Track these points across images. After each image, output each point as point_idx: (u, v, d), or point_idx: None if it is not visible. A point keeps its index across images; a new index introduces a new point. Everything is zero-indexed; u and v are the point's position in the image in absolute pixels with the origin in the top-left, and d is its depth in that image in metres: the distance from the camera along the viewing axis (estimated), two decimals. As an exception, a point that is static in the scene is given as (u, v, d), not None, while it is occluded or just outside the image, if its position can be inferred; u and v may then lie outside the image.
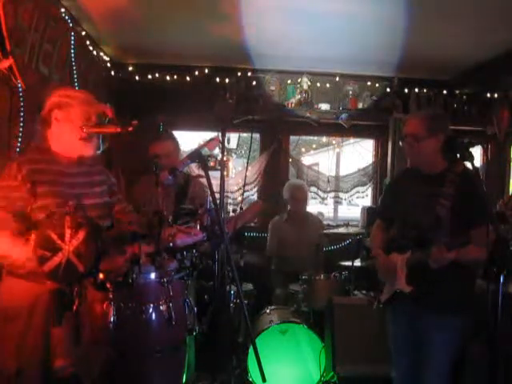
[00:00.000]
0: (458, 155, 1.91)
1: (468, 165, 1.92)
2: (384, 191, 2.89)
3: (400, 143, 2.40)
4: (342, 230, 4.14)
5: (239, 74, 4.53)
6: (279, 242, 4.23)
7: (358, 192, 5.06)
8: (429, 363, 2.17)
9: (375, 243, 2.48)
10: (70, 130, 2.00)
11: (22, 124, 2.61)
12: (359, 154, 6.12)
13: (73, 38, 3.27)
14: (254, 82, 4.57)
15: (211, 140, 2.22)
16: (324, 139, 5.79)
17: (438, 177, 2.19)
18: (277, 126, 4.74)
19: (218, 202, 2.10)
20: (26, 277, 1.86)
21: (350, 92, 4.69)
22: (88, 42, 3.67)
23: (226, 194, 4.50)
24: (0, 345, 1.94)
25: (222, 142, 2.32)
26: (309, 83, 4.58)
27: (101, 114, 2.02)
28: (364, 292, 3.66)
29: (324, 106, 4.63)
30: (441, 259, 2.01)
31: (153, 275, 1.83)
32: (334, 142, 5.58)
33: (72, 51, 3.29)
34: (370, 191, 5.10)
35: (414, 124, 2.26)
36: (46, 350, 1.86)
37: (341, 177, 5.14)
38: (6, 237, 1.85)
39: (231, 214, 3.36)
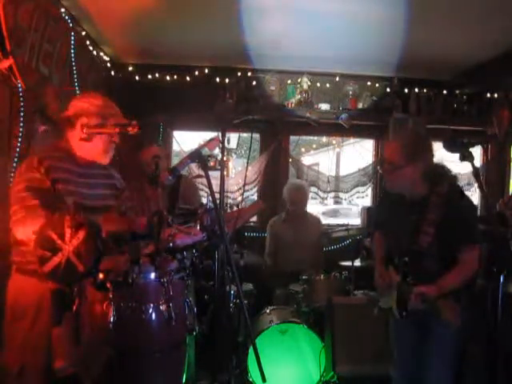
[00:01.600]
0: (458, 155, 1.91)
1: (467, 165, 1.92)
2: (377, 204, 2.89)
3: (378, 167, 2.38)
4: (341, 229, 4.14)
5: (239, 73, 4.53)
6: (278, 241, 4.23)
7: (358, 192, 5.05)
8: (430, 363, 2.17)
9: (376, 255, 2.49)
10: (96, 139, 2.04)
11: (21, 124, 2.61)
12: (359, 154, 6.12)
13: (73, 38, 3.27)
14: (254, 82, 4.57)
15: (211, 140, 2.22)
16: (324, 139, 5.80)
17: (420, 202, 2.16)
18: (277, 126, 4.74)
19: (217, 201, 2.10)
20: (35, 274, 1.86)
21: (350, 92, 4.69)
22: (88, 42, 3.67)
23: (226, 193, 4.50)
24: (6, 342, 1.96)
25: (222, 142, 2.32)
26: (309, 83, 4.58)
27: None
28: (364, 292, 3.66)
29: (324, 106, 4.63)
30: (415, 305, 2.04)
31: (153, 275, 1.83)
32: (334, 141, 5.58)
33: (72, 51, 3.29)
34: (369, 191, 5.10)
35: (392, 151, 2.21)
36: (50, 350, 1.87)
37: (341, 177, 5.14)
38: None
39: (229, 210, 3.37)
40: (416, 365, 2.23)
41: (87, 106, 2.04)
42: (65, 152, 2.07)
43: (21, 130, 2.61)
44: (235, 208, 2.93)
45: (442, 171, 2.18)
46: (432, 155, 2.19)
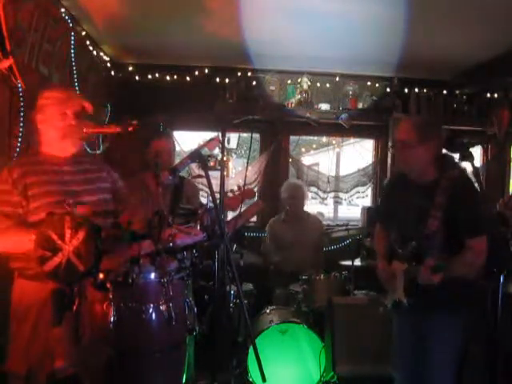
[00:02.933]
0: (458, 155, 1.91)
1: (467, 165, 1.92)
2: (381, 194, 2.88)
3: (390, 149, 2.39)
4: (341, 229, 4.14)
5: (239, 74, 4.53)
6: (278, 241, 4.22)
7: (357, 192, 5.05)
8: (431, 363, 2.17)
9: (378, 250, 2.48)
10: (49, 130, 2.03)
11: (21, 124, 2.61)
12: (359, 154, 6.11)
13: (73, 38, 3.27)
14: (254, 82, 4.57)
15: (211, 140, 2.22)
16: (324, 139, 5.79)
17: (429, 186, 2.16)
18: (277, 126, 4.74)
19: (217, 201, 2.10)
20: (36, 278, 1.86)
21: (350, 92, 4.69)
22: (88, 42, 3.67)
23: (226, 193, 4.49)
24: (11, 346, 1.96)
25: (222, 142, 2.32)
26: (309, 83, 4.58)
27: (79, 110, 2.03)
28: (364, 292, 3.66)
29: (324, 106, 4.63)
30: (427, 280, 2.02)
31: (153, 275, 1.83)
32: (334, 142, 5.57)
33: (72, 51, 3.30)
34: (369, 191, 5.10)
35: (404, 130, 2.23)
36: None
37: (341, 177, 5.14)
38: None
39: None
40: (416, 363, 2.23)
41: (38, 103, 2.04)
42: (39, 155, 2.06)
43: (21, 130, 2.61)
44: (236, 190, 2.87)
45: (452, 160, 2.19)
46: (442, 142, 2.19)
